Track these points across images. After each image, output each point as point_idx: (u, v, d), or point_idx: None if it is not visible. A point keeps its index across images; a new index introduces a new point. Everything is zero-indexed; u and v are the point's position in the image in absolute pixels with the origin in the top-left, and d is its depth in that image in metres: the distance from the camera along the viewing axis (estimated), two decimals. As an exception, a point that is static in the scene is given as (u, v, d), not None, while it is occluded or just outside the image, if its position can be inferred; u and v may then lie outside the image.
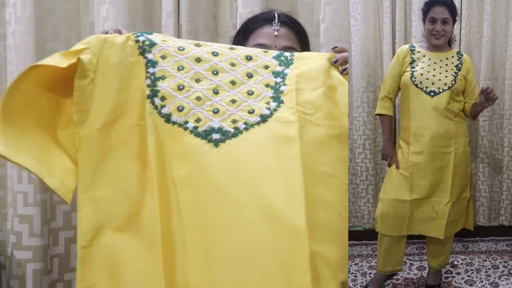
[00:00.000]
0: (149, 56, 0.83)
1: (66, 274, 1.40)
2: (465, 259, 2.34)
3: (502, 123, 2.46)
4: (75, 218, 1.40)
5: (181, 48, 0.84)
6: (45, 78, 0.86)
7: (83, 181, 0.79)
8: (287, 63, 0.88)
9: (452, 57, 1.85)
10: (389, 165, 1.88)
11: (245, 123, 0.82)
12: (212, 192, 0.77)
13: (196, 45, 0.86)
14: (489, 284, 2.08)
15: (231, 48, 0.87)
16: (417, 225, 1.84)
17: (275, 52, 0.88)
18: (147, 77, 0.82)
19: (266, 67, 0.86)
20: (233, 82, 0.84)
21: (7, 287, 1.35)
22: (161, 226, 0.76)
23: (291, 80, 0.85)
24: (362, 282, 2.12)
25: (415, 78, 1.77)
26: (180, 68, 0.84)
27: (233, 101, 0.83)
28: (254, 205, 0.76)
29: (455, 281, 2.11)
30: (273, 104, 0.84)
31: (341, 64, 0.90)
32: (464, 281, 2.12)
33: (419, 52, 1.84)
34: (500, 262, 2.29)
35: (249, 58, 0.86)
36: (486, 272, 2.20)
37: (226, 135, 0.81)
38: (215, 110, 0.82)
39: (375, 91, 2.39)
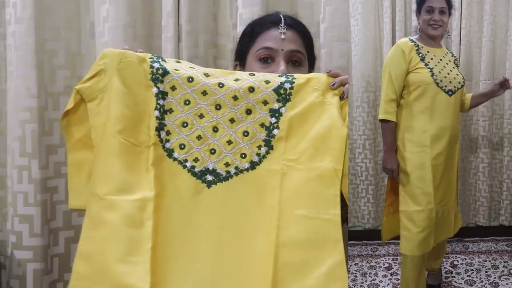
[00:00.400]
0: (161, 87, 0.93)
1: (66, 274, 1.40)
2: (465, 259, 2.34)
3: (502, 123, 2.46)
4: (75, 218, 1.41)
5: (190, 80, 0.93)
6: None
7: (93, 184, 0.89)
8: (285, 99, 0.93)
9: (447, 53, 1.81)
10: (396, 179, 1.73)
11: (236, 168, 0.92)
12: (197, 229, 0.88)
13: (205, 74, 0.93)
14: (489, 284, 2.08)
15: (236, 80, 0.94)
16: (436, 233, 1.73)
17: (276, 83, 0.93)
18: (156, 108, 0.92)
19: (265, 102, 0.93)
20: (232, 120, 0.93)
21: (7, 287, 1.35)
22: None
23: (284, 124, 0.92)
24: (362, 282, 2.12)
25: (436, 76, 1.68)
26: (187, 102, 0.93)
27: (229, 142, 0.92)
28: (232, 247, 0.87)
29: (455, 281, 2.11)
30: (263, 150, 0.92)
31: (338, 87, 0.95)
32: (464, 281, 2.12)
33: (422, 47, 1.74)
34: (500, 262, 2.29)
35: (251, 90, 0.93)
36: (486, 272, 2.20)
37: (218, 178, 0.91)
38: (212, 151, 0.92)
39: (375, 91, 2.39)
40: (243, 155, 0.92)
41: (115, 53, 0.93)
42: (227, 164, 0.92)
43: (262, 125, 0.93)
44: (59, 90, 1.36)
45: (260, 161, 0.92)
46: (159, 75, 0.93)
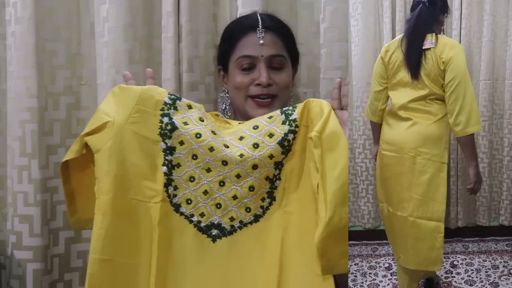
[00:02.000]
0: (169, 142, 0.94)
1: (66, 274, 1.40)
2: (465, 259, 2.34)
3: (502, 123, 2.46)
4: (75, 218, 1.40)
5: (198, 135, 0.93)
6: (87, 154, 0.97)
7: (95, 244, 0.89)
8: (288, 150, 0.94)
9: None
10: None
11: (240, 222, 0.94)
12: (202, 286, 0.92)
13: (212, 132, 0.94)
14: (489, 284, 2.08)
15: (240, 138, 0.95)
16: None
17: (280, 135, 0.93)
18: (164, 164, 0.94)
19: (271, 156, 0.93)
20: (238, 176, 0.93)
21: (7, 287, 1.35)
22: None
23: (285, 175, 0.94)
24: (362, 282, 2.12)
25: None
26: (194, 157, 0.94)
27: (235, 197, 0.93)
28: None
29: (455, 281, 2.11)
30: (266, 201, 0.94)
31: (338, 105, 0.98)
32: (464, 281, 2.12)
33: None
34: (500, 262, 2.29)
35: (256, 147, 0.93)
36: (486, 272, 2.20)
37: (223, 232, 0.94)
38: (218, 205, 0.94)
39: (375, 91, 2.39)
40: (248, 209, 0.94)
41: (126, 104, 0.93)
42: (232, 219, 0.94)
43: (267, 178, 0.94)
44: (59, 90, 1.36)
45: (264, 213, 0.94)
46: (167, 131, 0.94)
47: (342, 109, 1.00)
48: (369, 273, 2.20)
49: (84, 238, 1.39)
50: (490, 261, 2.30)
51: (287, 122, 0.94)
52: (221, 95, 1.16)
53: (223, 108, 1.15)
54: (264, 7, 1.24)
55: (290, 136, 0.93)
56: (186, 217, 0.94)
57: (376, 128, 1.83)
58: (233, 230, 0.94)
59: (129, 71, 1.27)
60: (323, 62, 1.25)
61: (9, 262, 1.34)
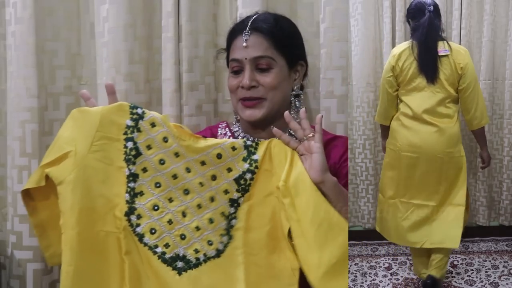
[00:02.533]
0: (132, 169, 0.91)
1: (66, 274, 1.40)
2: (465, 259, 2.34)
3: (502, 123, 2.46)
4: (75, 218, 1.40)
5: (161, 162, 0.91)
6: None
7: (65, 282, 0.87)
8: (244, 189, 0.94)
9: None
10: None
11: (204, 255, 0.92)
12: None
13: (175, 154, 0.92)
14: (489, 284, 2.08)
15: (202, 163, 0.93)
16: None
17: (238, 172, 0.93)
18: (127, 192, 0.90)
19: (226, 191, 0.93)
20: (199, 206, 0.93)
21: (7, 287, 1.35)
22: None
23: (241, 215, 0.93)
24: (362, 282, 2.12)
25: None
26: (158, 185, 0.91)
27: (198, 228, 0.92)
28: None
29: (455, 281, 2.11)
30: (225, 238, 0.93)
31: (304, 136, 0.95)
32: (464, 281, 2.12)
33: None
34: (500, 262, 2.29)
35: (213, 179, 0.93)
36: (486, 272, 2.20)
37: (188, 265, 0.91)
38: (182, 236, 0.91)
39: (375, 91, 2.39)
40: (210, 242, 0.92)
41: (87, 132, 0.89)
42: (196, 251, 0.92)
43: (223, 214, 0.93)
44: (59, 90, 1.36)
45: (224, 249, 0.93)
46: (132, 156, 0.91)
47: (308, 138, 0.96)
48: (369, 273, 2.20)
49: (84, 238, 1.39)
50: (490, 261, 2.30)
51: (248, 160, 0.93)
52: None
53: (234, 111, 1.16)
54: (264, 7, 1.24)
55: (248, 176, 0.93)
56: (150, 248, 0.90)
57: (386, 128, 1.99)
58: (198, 263, 0.92)
59: (129, 71, 1.28)
60: (323, 62, 1.25)
61: (9, 262, 1.34)
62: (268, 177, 0.93)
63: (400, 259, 2.35)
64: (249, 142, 0.95)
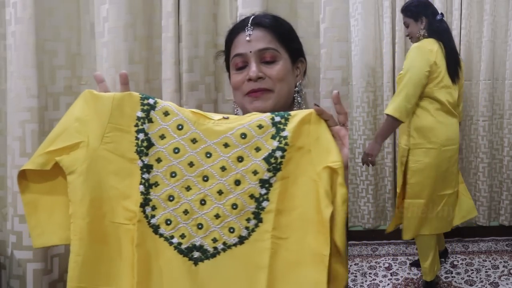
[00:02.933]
0: (145, 160, 0.89)
1: (66, 274, 1.39)
2: (465, 259, 2.34)
3: (502, 123, 2.46)
4: (75, 218, 1.40)
5: (176, 150, 0.89)
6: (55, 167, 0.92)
7: (72, 272, 0.86)
8: (276, 168, 0.88)
9: None
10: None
11: (224, 244, 0.88)
12: None
13: (192, 140, 0.89)
14: (489, 284, 2.08)
15: (225, 145, 0.89)
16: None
17: (267, 151, 0.88)
18: (141, 183, 0.89)
19: (255, 172, 0.88)
20: (220, 192, 0.88)
21: (7, 287, 1.35)
22: None
23: (274, 196, 0.88)
24: (362, 282, 2.12)
25: None
26: (173, 174, 0.89)
27: (217, 216, 0.88)
28: None
29: (455, 281, 2.12)
30: (252, 222, 0.88)
31: (328, 117, 0.88)
32: (464, 281, 2.12)
33: None
34: (500, 262, 2.29)
35: (240, 160, 0.88)
36: (486, 272, 2.20)
37: (205, 255, 0.88)
38: (200, 226, 0.89)
39: (375, 91, 2.39)
40: (232, 230, 0.89)
41: (99, 122, 0.88)
42: (214, 240, 0.89)
43: (252, 196, 0.88)
44: (59, 90, 1.36)
45: (249, 234, 0.88)
46: (144, 148, 0.89)
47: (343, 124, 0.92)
48: (369, 273, 2.20)
49: (84, 238, 1.39)
50: (490, 261, 2.30)
51: (277, 138, 0.88)
52: (234, 99, 1.17)
53: (235, 112, 1.16)
54: (264, 7, 1.24)
55: (278, 154, 0.87)
56: (166, 239, 0.89)
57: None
58: (216, 253, 0.89)
59: (129, 71, 1.27)
60: (323, 62, 1.25)
61: (9, 262, 1.34)
62: (303, 154, 0.88)
63: (400, 259, 2.35)
64: (277, 118, 0.88)
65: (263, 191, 0.88)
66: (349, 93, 2.42)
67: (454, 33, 2.33)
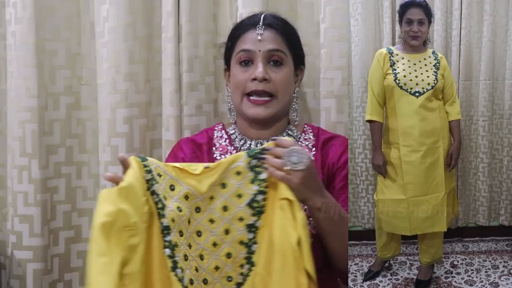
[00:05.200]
0: (164, 221, 0.87)
1: (66, 274, 1.40)
2: (465, 259, 2.34)
3: (502, 123, 2.46)
4: (75, 218, 1.41)
5: (179, 209, 0.88)
6: None
7: None
8: (260, 211, 0.90)
9: (429, 57, 1.92)
10: (383, 174, 1.94)
11: None
12: None
13: (185, 197, 0.89)
14: (489, 284, 2.08)
15: (211, 198, 0.90)
16: (420, 225, 1.91)
17: (249, 196, 0.89)
18: (165, 246, 0.87)
19: (241, 219, 0.90)
20: (214, 244, 0.91)
21: (7, 287, 1.35)
22: None
23: (261, 238, 0.90)
24: (362, 282, 2.12)
25: (399, 80, 1.83)
26: (181, 233, 0.89)
27: (217, 268, 0.91)
28: None
29: (455, 281, 2.11)
30: (246, 267, 0.90)
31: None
32: (464, 281, 2.12)
33: (397, 54, 1.90)
34: (500, 262, 2.29)
35: (225, 210, 0.90)
36: (486, 272, 2.20)
37: None
38: (205, 281, 0.90)
39: (375, 91, 2.39)
40: (229, 279, 0.91)
41: (140, 218, 0.83)
42: None
43: (241, 242, 0.91)
44: (59, 90, 1.36)
45: (244, 280, 0.91)
46: (160, 209, 0.87)
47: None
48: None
49: (84, 238, 1.39)
50: (490, 261, 2.30)
51: (256, 182, 0.90)
52: (228, 94, 1.16)
53: (229, 107, 1.16)
54: (264, 7, 1.24)
55: (260, 197, 0.89)
56: None
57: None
58: None
59: (129, 71, 1.28)
60: (323, 62, 1.25)
61: (9, 262, 1.34)
62: (276, 189, 0.89)
63: (400, 259, 2.34)
64: (253, 162, 0.90)
65: (251, 235, 0.91)
66: (349, 93, 2.42)
67: (454, 33, 2.33)
